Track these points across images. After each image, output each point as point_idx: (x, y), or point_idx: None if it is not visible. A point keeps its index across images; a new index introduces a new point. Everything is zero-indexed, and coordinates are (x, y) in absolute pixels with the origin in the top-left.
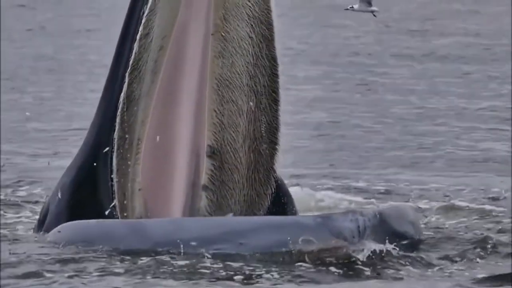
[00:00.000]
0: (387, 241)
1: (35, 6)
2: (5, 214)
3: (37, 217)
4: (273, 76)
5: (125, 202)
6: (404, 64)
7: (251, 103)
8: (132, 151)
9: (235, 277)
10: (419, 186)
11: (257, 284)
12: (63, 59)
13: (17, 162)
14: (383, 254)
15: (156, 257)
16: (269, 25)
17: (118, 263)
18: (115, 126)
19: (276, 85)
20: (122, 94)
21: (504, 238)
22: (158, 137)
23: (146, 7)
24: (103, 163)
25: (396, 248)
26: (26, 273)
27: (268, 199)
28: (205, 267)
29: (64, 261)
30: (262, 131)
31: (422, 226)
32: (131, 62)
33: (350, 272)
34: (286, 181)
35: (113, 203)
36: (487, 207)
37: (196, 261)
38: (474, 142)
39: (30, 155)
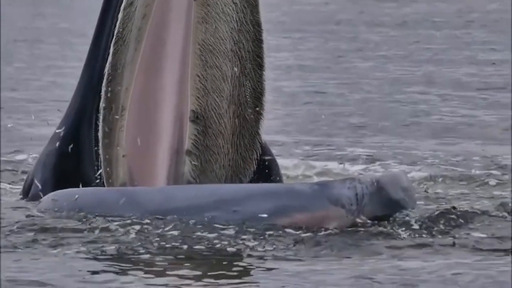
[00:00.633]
0: (384, 208)
1: None
2: None
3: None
4: (258, 41)
5: (108, 169)
6: (377, 31)
7: (235, 69)
8: (116, 118)
9: (228, 249)
10: (405, 152)
11: (250, 258)
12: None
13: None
14: (380, 223)
15: (149, 227)
16: None
17: (111, 232)
18: (99, 94)
19: (261, 50)
20: (107, 64)
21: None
22: (142, 104)
23: None
24: (88, 130)
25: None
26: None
27: (254, 164)
28: (198, 238)
29: (56, 230)
30: (247, 96)
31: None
32: (115, 31)
33: (349, 241)
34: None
35: (99, 171)
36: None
37: (188, 230)
38: (454, 108)
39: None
